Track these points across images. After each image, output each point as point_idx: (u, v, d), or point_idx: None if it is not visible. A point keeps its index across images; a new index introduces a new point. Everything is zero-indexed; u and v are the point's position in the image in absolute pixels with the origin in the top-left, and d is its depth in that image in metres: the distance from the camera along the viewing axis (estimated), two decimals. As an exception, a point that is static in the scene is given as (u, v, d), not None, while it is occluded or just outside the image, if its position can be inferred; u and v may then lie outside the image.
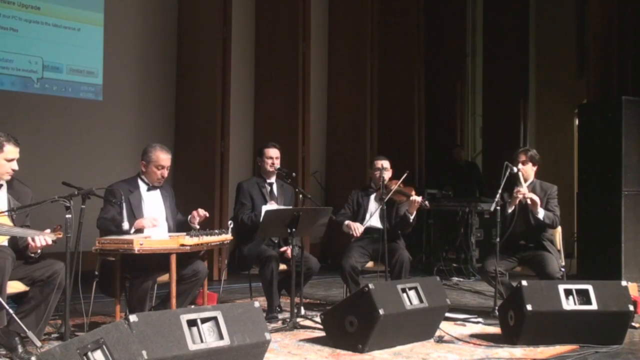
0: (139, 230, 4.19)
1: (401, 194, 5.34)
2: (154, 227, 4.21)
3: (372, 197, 5.53)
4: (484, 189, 9.22)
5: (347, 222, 5.42)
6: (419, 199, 5.22)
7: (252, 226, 4.96)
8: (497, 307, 4.77)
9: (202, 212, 4.51)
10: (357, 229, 5.31)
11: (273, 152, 5.28)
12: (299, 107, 8.18)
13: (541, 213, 5.15)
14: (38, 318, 3.72)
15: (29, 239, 3.65)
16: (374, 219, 5.45)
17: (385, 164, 5.43)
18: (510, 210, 5.21)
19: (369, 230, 5.43)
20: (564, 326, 4.13)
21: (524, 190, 5.14)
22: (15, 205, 3.83)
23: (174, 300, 4.09)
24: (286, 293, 5.17)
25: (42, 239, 3.65)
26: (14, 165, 3.81)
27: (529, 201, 5.12)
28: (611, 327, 4.17)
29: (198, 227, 4.51)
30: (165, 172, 4.49)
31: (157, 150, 4.46)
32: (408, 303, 4.09)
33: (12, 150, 3.78)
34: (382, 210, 5.18)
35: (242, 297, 5.92)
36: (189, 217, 4.56)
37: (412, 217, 5.32)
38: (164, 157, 4.45)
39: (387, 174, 5.40)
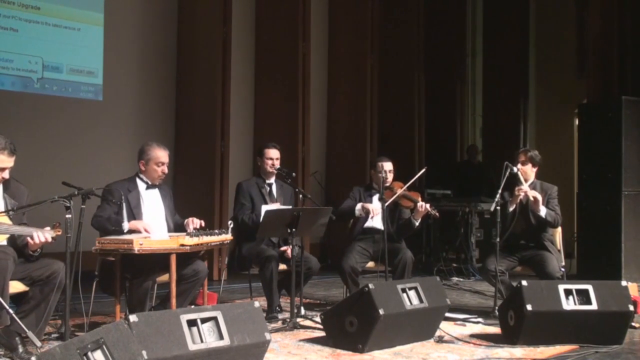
0: (135, 231, 4.19)
1: (408, 199, 5.33)
2: (145, 231, 4.19)
3: (375, 197, 5.48)
4: (495, 189, 9.20)
5: (360, 204, 5.35)
6: (426, 206, 5.20)
7: (253, 226, 4.95)
8: (497, 307, 4.76)
9: (197, 221, 4.46)
10: (375, 209, 5.27)
11: (273, 153, 5.27)
12: (299, 107, 8.17)
13: (543, 211, 5.15)
14: (38, 318, 3.71)
15: (27, 238, 3.64)
16: (376, 220, 5.43)
17: (390, 166, 5.41)
18: (511, 209, 5.20)
19: (369, 231, 5.42)
20: (564, 326, 4.13)
21: (525, 188, 5.13)
22: (12, 204, 3.82)
23: (174, 300, 4.09)
24: (286, 293, 5.17)
25: (41, 235, 3.63)
26: (5, 174, 3.76)
27: (531, 198, 5.11)
28: (611, 327, 4.17)
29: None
30: (166, 169, 4.49)
31: (154, 147, 4.46)
32: (408, 303, 4.09)
33: (4, 160, 3.70)
34: (383, 212, 5.17)
35: (242, 297, 5.91)
36: (185, 221, 4.52)
37: (417, 223, 5.32)
38: (162, 154, 4.46)
39: (390, 176, 5.40)
